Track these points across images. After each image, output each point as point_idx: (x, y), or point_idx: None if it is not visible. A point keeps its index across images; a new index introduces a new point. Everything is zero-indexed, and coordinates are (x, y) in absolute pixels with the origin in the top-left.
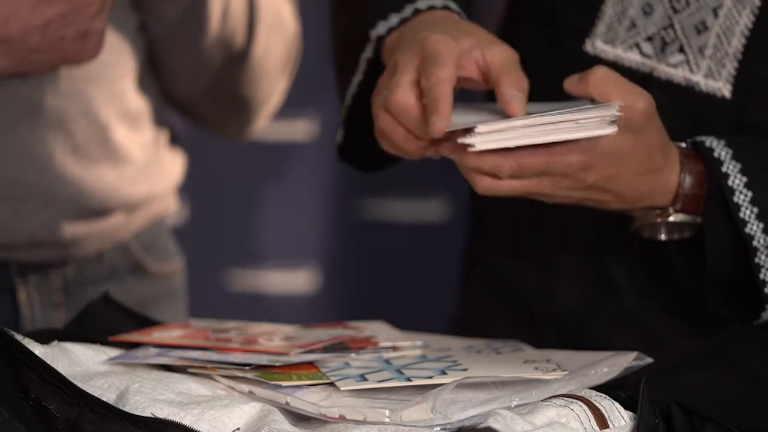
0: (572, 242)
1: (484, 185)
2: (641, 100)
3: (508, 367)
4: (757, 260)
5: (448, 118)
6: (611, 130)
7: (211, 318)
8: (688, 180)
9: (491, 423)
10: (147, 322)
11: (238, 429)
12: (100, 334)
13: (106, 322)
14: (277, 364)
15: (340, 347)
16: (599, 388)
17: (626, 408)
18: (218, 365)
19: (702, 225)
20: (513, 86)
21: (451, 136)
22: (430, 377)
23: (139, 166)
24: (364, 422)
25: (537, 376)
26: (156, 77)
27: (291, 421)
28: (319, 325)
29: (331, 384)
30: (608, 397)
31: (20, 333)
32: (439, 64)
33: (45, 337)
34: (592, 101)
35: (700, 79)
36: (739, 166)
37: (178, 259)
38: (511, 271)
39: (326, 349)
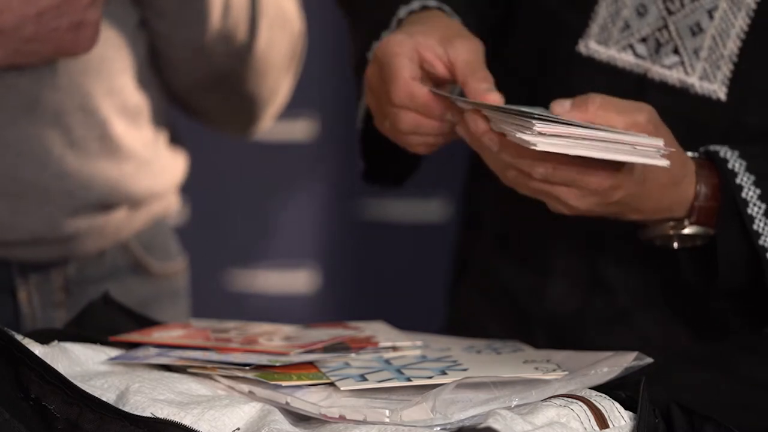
0: (565, 242)
1: (515, 180)
2: (642, 114)
3: (508, 367)
4: None
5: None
6: (665, 162)
7: (211, 318)
8: (703, 191)
9: (491, 423)
10: (147, 322)
11: (238, 429)
12: (100, 334)
13: (106, 322)
14: (277, 364)
15: (340, 347)
16: (599, 388)
17: (626, 408)
18: (218, 365)
19: (715, 235)
20: (482, 79)
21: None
22: (430, 377)
23: (140, 162)
24: (364, 422)
25: (537, 376)
26: (157, 74)
27: (291, 421)
28: (319, 325)
29: (331, 384)
30: (608, 397)
31: (21, 332)
32: (388, 62)
33: (45, 337)
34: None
35: (695, 81)
36: (753, 178)
37: (180, 259)
38: (503, 272)
39: (326, 349)
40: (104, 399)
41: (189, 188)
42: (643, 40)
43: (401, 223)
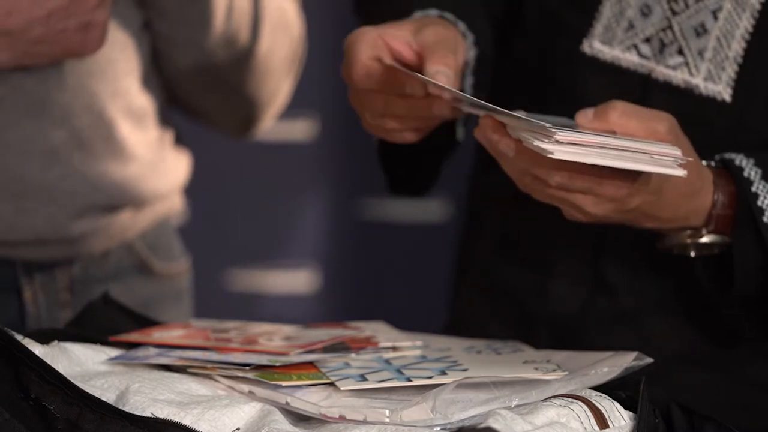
0: (568, 243)
1: (531, 186)
2: (662, 123)
3: (508, 368)
4: None
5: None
6: (682, 172)
7: (211, 318)
8: (720, 200)
9: (491, 423)
10: (147, 322)
11: (238, 429)
12: (100, 334)
13: (106, 322)
14: (277, 364)
15: (340, 347)
16: (599, 388)
17: (626, 408)
18: (218, 365)
19: (731, 244)
20: (436, 62)
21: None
22: (430, 377)
23: (145, 163)
24: (364, 422)
25: (537, 377)
26: (160, 76)
27: (291, 421)
28: (319, 325)
29: (331, 384)
30: (608, 397)
31: (26, 332)
32: (350, 47)
33: (45, 337)
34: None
35: (699, 82)
36: None
37: (183, 260)
38: (506, 272)
39: (326, 349)
40: (104, 399)
41: (190, 188)
42: (647, 40)
43: (401, 223)
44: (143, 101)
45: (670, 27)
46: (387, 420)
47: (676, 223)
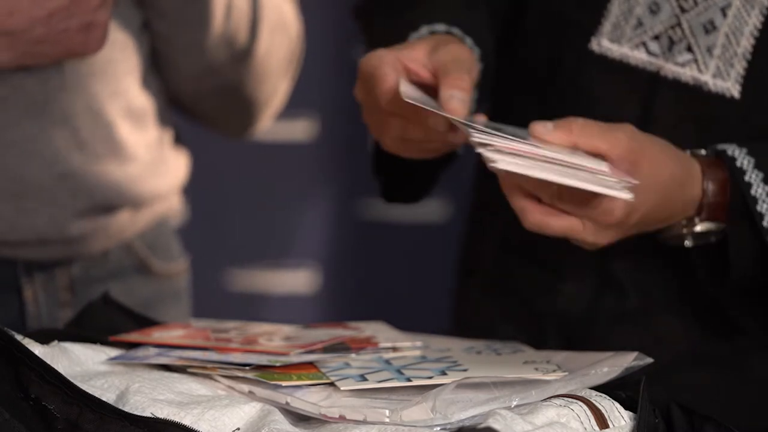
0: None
1: (534, 220)
2: (621, 131)
3: (508, 368)
4: None
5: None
6: (628, 195)
7: (211, 318)
8: (711, 189)
9: (491, 423)
10: (147, 322)
11: (238, 429)
12: (100, 334)
13: (106, 322)
14: (277, 364)
15: (340, 347)
16: (599, 388)
17: (626, 408)
18: (218, 365)
19: (726, 231)
20: (451, 86)
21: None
22: (430, 377)
23: (144, 163)
24: (364, 422)
25: (537, 377)
26: (159, 76)
27: (291, 421)
28: (319, 325)
29: (331, 384)
30: (608, 397)
31: (26, 332)
32: (372, 72)
33: (45, 337)
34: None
35: (708, 79)
36: (762, 174)
37: (182, 260)
38: (513, 272)
39: (326, 350)
40: (104, 399)
41: (189, 188)
42: (656, 37)
43: (401, 223)
44: (143, 101)
45: (679, 24)
46: (387, 420)
47: (677, 217)
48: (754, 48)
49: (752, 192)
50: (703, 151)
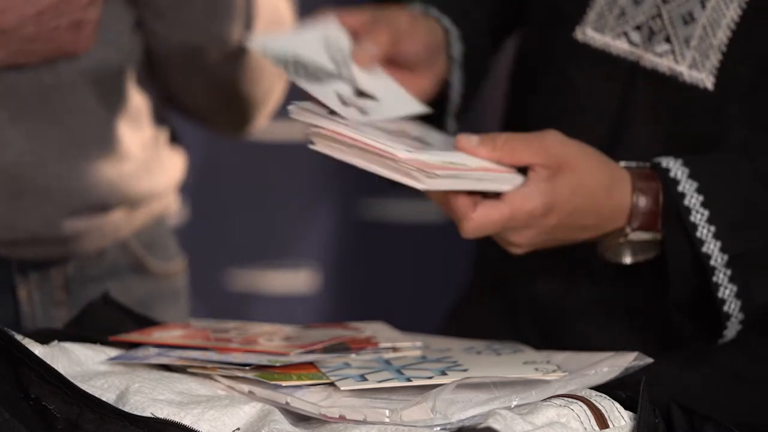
0: None
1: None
2: (547, 139)
3: (508, 368)
4: (715, 279)
5: None
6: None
7: (211, 318)
8: (642, 199)
9: (491, 423)
10: (147, 322)
11: (238, 429)
12: (100, 334)
13: (106, 322)
14: (277, 364)
15: (340, 347)
16: (599, 388)
17: (626, 408)
18: (218, 365)
19: (662, 244)
20: (368, 39)
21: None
22: (430, 377)
23: (139, 162)
24: (364, 422)
25: (537, 377)
26: (154, 75)
27: (291, 421)
28: (319, 325)
29: (331, 384)
30: (608, 397)
31: (21, 331)
32: None
33: (45, 337)
34: None
35: (684, 70)
36: (695, 184)
37: (179, 259)
38: (497, 257)
39: (326, 350)
40: (104, 399)
41: (189, 188)
42: (638, 27)
43: (401, 223)
44: (137, 100)
45: (660, 15)
46: (387, 420)
47: (605, 227)
48: (730, 41)
49: (685, 202)
50: (634, 163)
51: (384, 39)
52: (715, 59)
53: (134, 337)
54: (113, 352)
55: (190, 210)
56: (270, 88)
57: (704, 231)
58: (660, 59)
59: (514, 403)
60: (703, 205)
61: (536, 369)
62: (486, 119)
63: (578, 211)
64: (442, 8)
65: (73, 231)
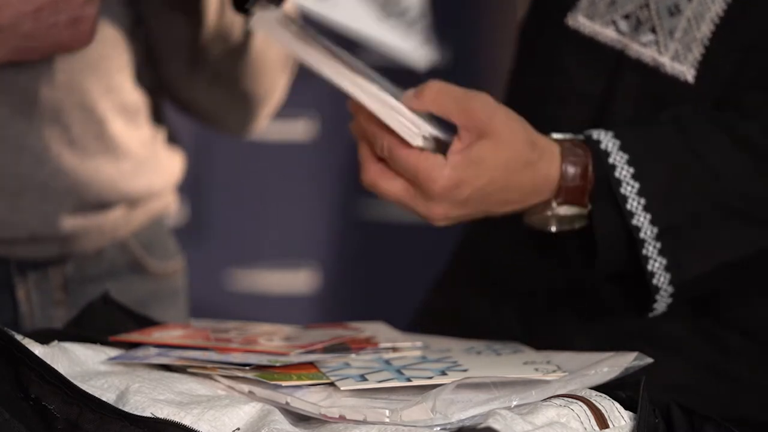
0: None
1: (368, 178)
2: (477, 102)
3: (508, 368)
4: (644, 251)
5: None
6: (419, 142)
7: (211, 318)
8: (570, 171)
9: (491, 423)
10: (147, 322)
11: (238, 429)
12: (100, 334)
13: (106, 322)
14: (277, 364)
15: (340, 348)
16: (599, 388)
17: (626, 408)
18: (218, 365)
19: (590, 216)
20: None
21: None
22: (430, 378)
23: (138, 160)
24: (364, 422)
25: (537, 377)
26: (154, 73)
27: (291, 421)
28: (319, 325)
29: (331, 384)
30: (608, 397)
31: (19, 331)
32: None
33: (45, 337)
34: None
35: (666, 61)
36: (626, 157)
37: (178, 258)
38: (479, 239)
39: (326, 350)
40: (104, 399)
41: (189, 188)
42: (626, 17)
43: (401, 223)
44: (136, 98)
45: (648, 5)
46: (387, 420)
47: (530, 199)
48: (713, 34)
49: (616, 174)
50: (565, 135)
51: None
52: (697, 52)
53: (134, 337)
54: (113, 352)
55: (189, 210)
56: (272, 86)
57: (634, 203)
58: (644, 49)
59: (514, 403)
60: (634, 177)
61: (536, 369)
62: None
63: (493, 184)
64: None
65: (71, 229)
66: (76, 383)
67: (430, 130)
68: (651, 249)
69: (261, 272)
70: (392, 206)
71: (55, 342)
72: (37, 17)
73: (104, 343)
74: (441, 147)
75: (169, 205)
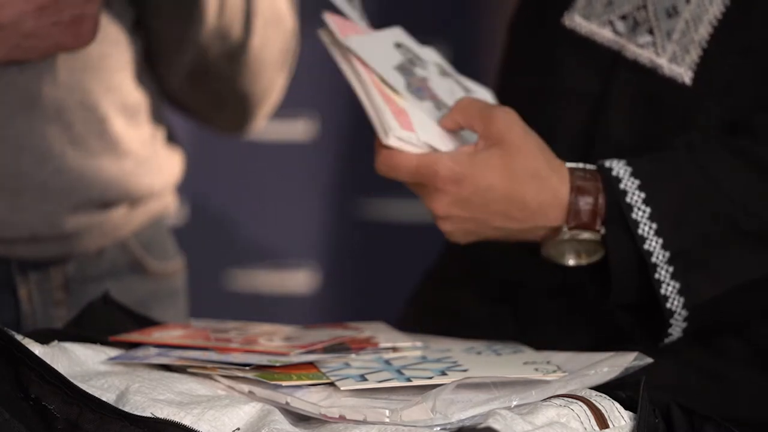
0: None
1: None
2: (499, 113)
3: (508, 369)
4: (657, 276)
5: None
6: (393, 142)
7: (211, 318)
8: (581, 198)
9: (491, 423)
10: (147, 322)
11: (238, 429)
12: (100, 334)
13: (106, 322)
14: (277, 364)
15: (340, 348)
16: (599, 388)
17: (626, 408)
18: (218, 365)
19: (604, 244)
20: None
21: None
22: (430, 378)
23: (139, 159)
24: (364, 422)
25: (537, 377)
26: (153, 72)
27: (291, 421)
28: (319, 325)
29: (331, 384)
30: (608, 397)
31: (21, 331)
32: None
33: (45, 337)
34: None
35: (664, 63)
36: (637, 182)
37: (178, 258)
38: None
39: (326, 350)
40: (104, 399)
41: (188, 188)
42: (623, 17)
43: (401, 223)
44: (137, 97)
45: (645, 6)
46: (387, 420)
47: (534, 220)
48: (711, 36)
49: (627, 199)
50: (580, 165)
51: None
52: (695, 54)
53: (134, 337)
54: (113, 352)
55: (189, 210)
56: (270, 85)
57: (646, 228)
58: (641, 50)
59: (514, 403)
60: (645, 202)
61: (536, 369)
62: None
63: (495, 191)
64: None
65: (73, 229)
66: (76, 383)
67: (425, 139)
68: (663, 273)
69: (261, 272)
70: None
71: (55, 342)
72: (38, 16)
73: (104, 343)
74: None
75: (169, 205)
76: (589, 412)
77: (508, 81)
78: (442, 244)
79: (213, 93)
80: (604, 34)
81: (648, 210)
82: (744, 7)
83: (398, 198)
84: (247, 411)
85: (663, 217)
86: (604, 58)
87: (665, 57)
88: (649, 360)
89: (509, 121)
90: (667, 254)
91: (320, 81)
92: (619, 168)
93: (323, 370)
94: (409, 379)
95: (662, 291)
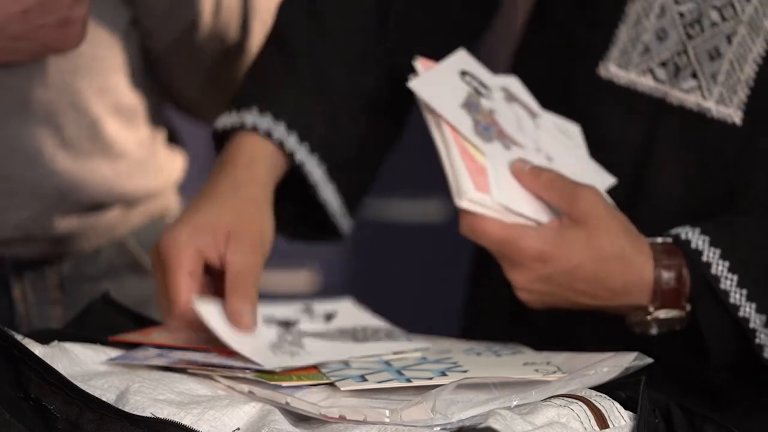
0: None
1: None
2: (584, 192)
3: (508, 369)
4: (757, 341)
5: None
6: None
7: None
8: (665, 275)
9: (491, 423)
10: (147, 322)
11: (238, 429)
12: (100, 334)
13: (106, 322)
14: (278, 370)
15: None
16: (599, 388)
17: (626, 408)
18: (219, 368)
19: (695, 315)
20: (241, 299)
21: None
22: (430, 378)
23: (134, 161)
24: (364, 422)
25: (537, 378)
26: (152, 74)
27: (291, 421)
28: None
29: (331, 384)
30: (608, 397)
31: (15, 330)
32: (169, 272)
33: (45, 337)
34: None
35: (711, 106)
36: (718, 251)
37: None
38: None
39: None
40: (104, 399)
41: (188, 188)
42: (663, 64)
43: (401, 223)
44: (132, 99)
45: (685, 51)
46: (387, 420)
47: (618, 299)
48: (758, 75)
49: (712, 271)
50: (659, 239)
51: (254, 297)
52: (743, 94)
53: (134, 337)
54: (113, 352)
55: None
56: None
57: (737, 296)
58: (687, 95)
59: (514, 403)
60: (730, 270)
61: (536, 370)
62: None
63: (581, 271)
64: (291, 124)
65: (66, 229)
66: (76, 383)
67: (500, 200)
68: (763, 336)
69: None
70: (392, 206)
71: (55, 342)
72: (25, 19)
73: (104, 343)
74: None
75: (169, 205)
76: (589, 412)
77: None
78: (446, 247)
79: (211, 94)
80: (644, 82)
81: (735, 278)
82: None
83: (398, 198)
84: (247, 411)
85: (752, 282)
86: (646, 106)
87: (712, 100)
88: (649, 360)
89: (594, 200)
90: (764, 317)
91: None
92: (696, 239)
93: (323, 371)
94: (409, 380)
95: (765, 355)
